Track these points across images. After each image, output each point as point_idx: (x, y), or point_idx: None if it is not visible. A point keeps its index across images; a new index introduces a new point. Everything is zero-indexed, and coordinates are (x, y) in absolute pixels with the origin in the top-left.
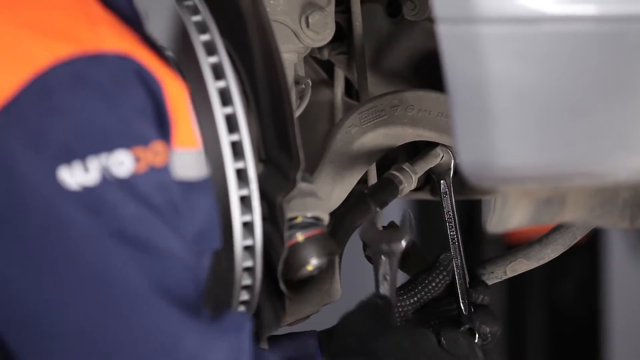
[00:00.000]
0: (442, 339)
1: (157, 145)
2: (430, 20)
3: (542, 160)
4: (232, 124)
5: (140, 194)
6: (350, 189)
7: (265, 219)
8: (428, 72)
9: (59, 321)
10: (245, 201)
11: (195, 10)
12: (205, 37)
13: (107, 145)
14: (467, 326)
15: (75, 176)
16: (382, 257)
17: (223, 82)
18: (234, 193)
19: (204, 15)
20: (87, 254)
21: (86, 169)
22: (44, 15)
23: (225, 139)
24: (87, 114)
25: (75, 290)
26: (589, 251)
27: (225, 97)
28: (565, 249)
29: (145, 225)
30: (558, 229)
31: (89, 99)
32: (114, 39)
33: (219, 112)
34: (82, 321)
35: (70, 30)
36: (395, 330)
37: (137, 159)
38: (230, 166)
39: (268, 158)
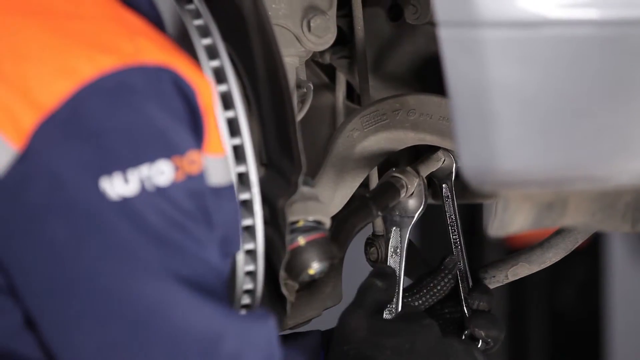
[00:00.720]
0: None
1: (193, 154)
2: (431, 24)
3: (543, 164)
4: (233, 128)
5: (177, 202)
6: (352, 193)
7: (266, 222)
8: (430, 76)
9: (95, 332)
10: (246, 205)
11: (197, 14)
12: (207, 41)
13: (148, 155)
14: (467, 331)
15: (115, 187)
16: (394, 228)
17: (225, 85)
18: (236, 197)
19: (206, 19)
20: (124, 257)
21: (126, 180)
22: (85, 26)
23: (227, 143)
24: (128, 125)
25: (114, 294)
26: (590, 255)
27: (227, 101)
28: (567, 253)
29: (181, 232)
30: (560, 233)
31: (130, 110)
32: (153, 50)
33: (221, 116)
34: (122, 328)
35: (110, 41)
36: (393, 329)
37: (176, 168)
38: (232, 170)
39: (270, 162)
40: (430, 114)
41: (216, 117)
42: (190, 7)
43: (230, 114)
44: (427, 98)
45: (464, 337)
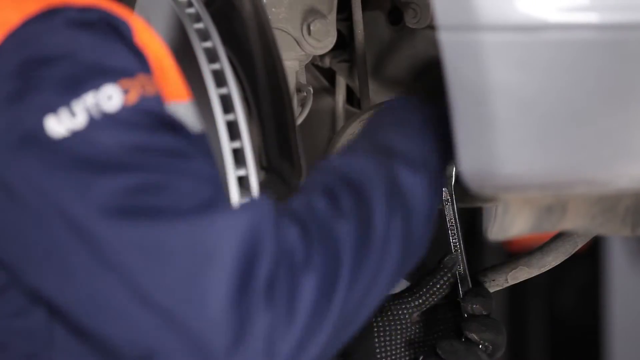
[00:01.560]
0: (438, 350)
1: (143, 78)
2: (432, 27)
3: (543, 168)
4: (233, 131)
5: (133, 123)
6: None
7: None
8: (430, 80)
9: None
10: None
11: (197, 18)
12: (207, 44)
13: (91, 84)
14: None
15: (64, 122)
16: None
17: (225, 89)
18: (236, 200)
19: (206, 22)
20: (76, 193)
21: (73, 114)
22: None
23: (226, 146)
24: (63, 58)
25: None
26: (590, 259)
27: (227, 104)
28: (567, 257)
29: (141, 153)
30: (559, 236)
31: (63, 43)
32: None
33: (221, 119)
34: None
35: None
36: None
37: (126, 91)
38: (231, 173)
39: (269, 165)
40: None
41: (171, 61)
42: (191, 10)
43: (230, 117)
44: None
45: (462, 340)
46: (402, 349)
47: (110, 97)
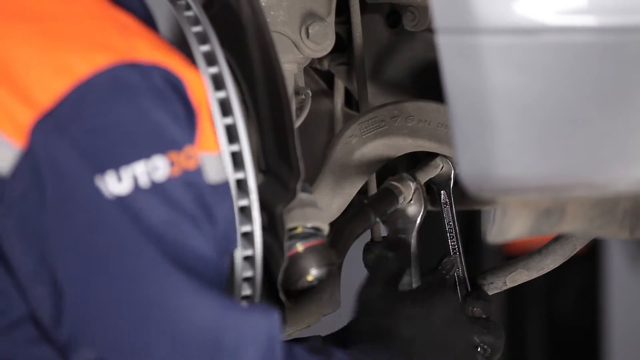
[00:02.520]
0: None
1: (190, 150)
2: (430, 30)
3: (542, 170)
4: (232, 134)
5: (174, 197)
6: (350, 199)
7: (265, 229)
8: (428, 83)
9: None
10: (245, 211)
11: (195, 21)
12: (205, 48)
13: (143, 152)
14: None
15: (109, 186)
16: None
17: (223, 92)
18: (234, 203)
19: (205, 25)
20: (121, 254)
21: (119, 179)
22: (76, 26)
23: (225, 149)
24: (123, 121)
25: (113, 293)
26: (588, 261)
27: (226, 108)
28: (565, 260)
29: (178, 227)
30: (558, 239)
31: (125, 107)
32: (146, 48)
33: (219, 123)
34: (124, 324)
35: (104, 40)
36: (409, 297)
37: (172, 163)
38: (230, 176)
39: (268, 168)
40: (429, 120)
41: (210, 114)
42: (189, 13)
43: (228, 120)
44: (425, 105)
45: None
46: None
47: (157, 168)
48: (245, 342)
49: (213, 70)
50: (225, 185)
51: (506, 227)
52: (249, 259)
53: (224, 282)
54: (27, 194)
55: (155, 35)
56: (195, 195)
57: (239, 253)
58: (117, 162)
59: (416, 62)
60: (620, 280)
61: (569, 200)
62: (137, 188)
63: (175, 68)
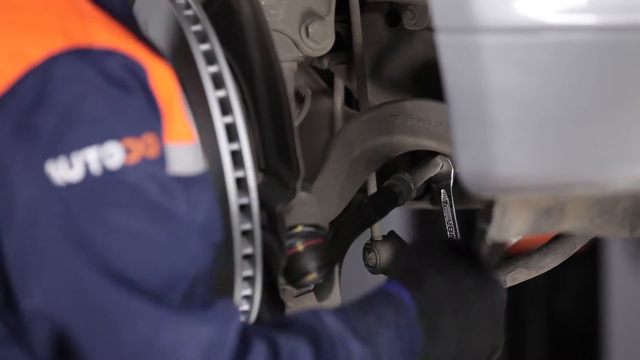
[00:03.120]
0: None
1: (149, 137)
2: (430, 29)
3: (541, 169)
4: (232, 133)
5: (130, 185)
6: (350, 198)
7: (265, 228)
8: (428, 82)
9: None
10: (244, 210)
11: (195, 20)
12: (205, 47)
13: (96, 138)
14: None
15: (60, 172)
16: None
17: (223, 91)
18: (234, 202)
19: (204, 24)
20: (60, 249)
21: (70, 165)
22: (35, 15)
23: (225, 148)
24: (77, 107)
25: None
26: (588, 260)
27: (225, 107)
28: (565, 258)
29: (130, 216)
30: (558, 238)
31: (79, 93)
32: (104, 35)
33: (219, 121)
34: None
35: (61, 26)
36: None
37: (129, 150)
38: (230, 175)
39: (268, 167)
40: (429, 119)
41: (180, 103)
42: (189, 12)
43: (228, 119)
44: (425, 103)
45: None
46: None
47: (111, 155)
48: (179, 352)
49: (213, 69)
50: (202, 176)
51: (506, 225)
52: (249, 258)
53: (205, 273)
54: None
55: (120, 26)
56: (157, 183)
57: (239, 252)
58: (68, 148)
59: (416, 61)
60: (620, 279)
61: (568, 199)
62: (88, 175)
63: (136, 55)
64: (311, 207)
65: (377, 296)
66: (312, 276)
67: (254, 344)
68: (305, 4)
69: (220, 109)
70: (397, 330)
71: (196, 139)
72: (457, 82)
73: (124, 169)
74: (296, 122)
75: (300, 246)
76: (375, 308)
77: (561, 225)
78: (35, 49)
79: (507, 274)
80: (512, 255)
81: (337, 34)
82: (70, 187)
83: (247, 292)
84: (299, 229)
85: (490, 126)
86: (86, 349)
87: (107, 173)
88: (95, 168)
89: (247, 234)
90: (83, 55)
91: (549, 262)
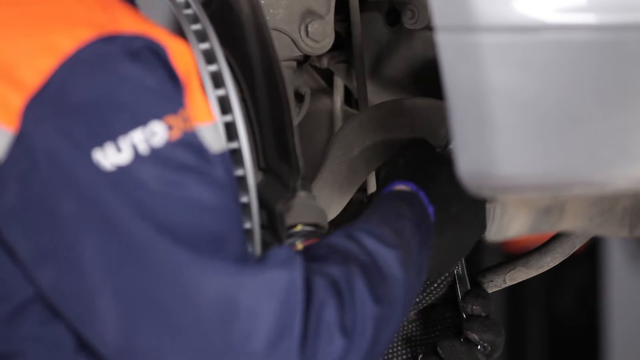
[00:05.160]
0: (439, 348)
1: (184, 112)
2: (429, 28)
3: (541, 169)
4: (231, 132)
5: (176, 160)
6: (350, 197)
7: (264, 227)
8: (427, 81)
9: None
10: (244, 209)
11: (195, 19)
12: (204, 46)
13: (139, 120)
14: (465, 335)
15: (109, 157)
16: None
17: (222, 90)
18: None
19: (204, 23)
20: (122, 230)
21: (119, 149)
22: (58, 6)
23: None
24: (115, 93)
25: (119, 270)
26: (588, 260)
27: (225, 105)
28: (565, 258)
29: (182, 188)
30: (557, 237)
31: (113, 78)
32: (130, 21)
33: (219, 121)
34: (134, 302)
35: (88, 16)
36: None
37: (170, 127)
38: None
39: (267, 166)
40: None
41: (201, 83)
42: (188, 11)
43: (227, 118)
44: (425, 102)
45: (462, 340)
46: (400, 347)
47: (155, 134)
48: (261, 300)
49: (212, 68)
50: (223, 155)
51: (506, 225)
52: None
53: (243, 230)
54: (23, 177)
55: (138, 11)
56: (198, 153)
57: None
58: (114, 133)
59: (415, 60)
60: (620, 278)
61: (568, 198)
62: (137, 156)
63: (159, 38)
64: (311, 206)
65: (388, 196)
66: None
67: (312, 280)
68: (304, 3)
69: (220, 108)
70: (414, 221)
71: (215, 118)
72: (457, 81)
73: (168, 145)
74: (296, 121)
75: (300, 245)
76: (391, 208)
77: (561, 224)
78: (67, 41)
79: (507, 273)
80: (512, 254)
81: (336, 33)
82: (120, 169)
83: None
84: (299, 228)
85: (489, 125)
86: (161, 319)
87: (154, 151)
88: (143, 148)
89: (246, 233)
90: (112, 42)
91: (549, 261)
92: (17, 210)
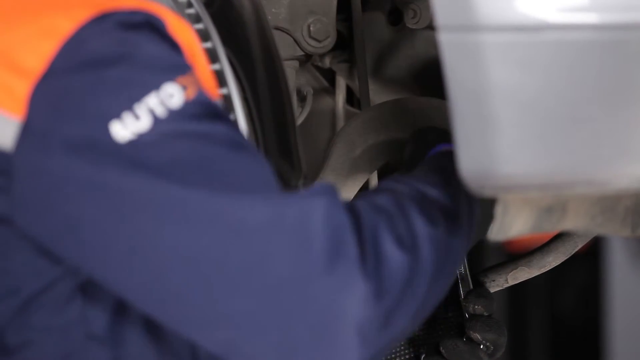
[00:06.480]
0: (441, 348)
1: (193, 74)
2: (431, 28)
3: (543, 168)
4: None
5: (197, 117)
6: (352, 197)
7: None
8: (429, 80)
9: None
10: None
11: (197, 19)
12: (207, 45)
13: (152, 84)
14: (467, 334)
15: (129, 127)
16: None
17: (225, 89)
18: None
19: (206, 23)
20: (153, 198)
21: (137, 117)
22: None
23: None
24: (121, 62)
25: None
26: (590, 259)
27: (227, 105)
28: (567, 257)
29: (209, 142)
30: (559, 237)
31: (118, 49)
32: None
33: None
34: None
35: None
36: None
37: (185, 87)
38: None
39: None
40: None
41: (201, 59)
42: (191, 11)
43: (230, 118)
44: (427, 102)
45: (464, 340)
46: (403, 346)
47: (171, 95)
48: (308, 217)
49: (214, 67)
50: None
51: (508, 224)
52: None
53: (273, 174)
54: (34, 165)
55: None
56: (215, 108)
57: None
58: (129, 102)
59: (417, 60)
60: (622, 277)
61: (570, 197)
62: (156, 119)
63: (158, 11)
64: None
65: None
66: None
67: (359, 207)
68: (306, 2)
69: (222, 107)
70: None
71: (219, 95)
72: (459, 80)
73: (186, 105)
74: (298, 121)
75: None
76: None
77: (563, 223)
78: (66, 22)
79: (509, 273)
80: (514, 253)
81: (338, 32)
82: (141, 136)
83: None
84: None
85: (491, 124)
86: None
87: (172, 113)
88: (161, 111)
89: None
90: (111, 18)
91: (551, 260)
92: (30, 198)
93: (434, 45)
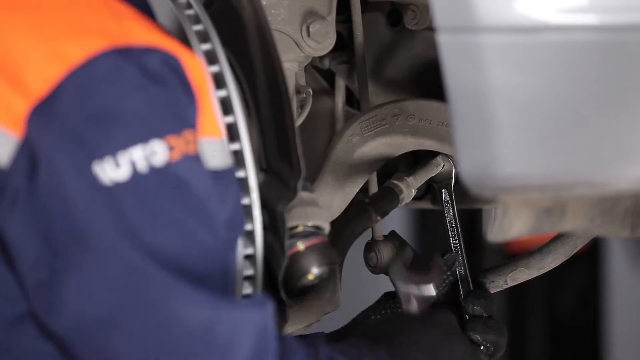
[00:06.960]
0: None
1: (189, 134)
2: (431, 29)
3: (542, 169)
4: (233, 133)
5: (174, 182)
6: (351, 198)
7: (266, 227)
8: (429, 81)
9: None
10: (246, 210)
11: (196, 20)
12: (206, 46)
13: (140, 137)
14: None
15: (107, 172)
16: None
17: (224, 91)
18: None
19: (205, 24)
20: (104, 247)
21: (117, 164)
22: (71, 14)
23: (226, 148)
24: (119, 107)
25: (99, 285)
26: (589, 260)
27: (226, 106)
28: (566, 258)
29: (174, 214)
30: (559, 238)
31: (121, 92)
32: (140, 31)
33: (221, 121)
34: (108, 312)
35: (99, 26)
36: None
37: (171, 148)
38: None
39: (269, 167)
40: (430, 119)
41: (211, 98)
42: (190, 12)
43: (229, 119)
44: (426, 103)
45: None
46: None
47: (155, 153)
48: (237, 336)
49: (214, 68)
50: (230, 170)
51: (507, 225)
52: (250, 258)
53: (229, 271)
54: (27, 183)
55: (150, 20)
56: (196, 180)
57: (240, 252)
58: (114, 148)
59: (417, 61)
60: (621, 279)
61: (569, 198)
62: (135, 173)
63: (172, 49)
64: (312, 207)
65: None
66: (313, 276)
67: (292, 345)
68: (306, 3)
69: (222, 108)
70: None
71: (223, 133)
72: (458, 81)
73: (168, 166)
74: (297, 122)
75: (301, 246)
76: None
77: (562, 225)
78: (76, 50)
79: (508, 274)
80: (514, 255)
81: (338, 33)
82: (118, 185)
83: (248, 291)
84: (300, 228)
85: (491, 126)
86: (138, 342)
87: (153, 170)
88: (142, 166)
89: (248, 234)
90: (123, 54)
91: (550, 262)
92: (22, 217)
93: (433, 46)
